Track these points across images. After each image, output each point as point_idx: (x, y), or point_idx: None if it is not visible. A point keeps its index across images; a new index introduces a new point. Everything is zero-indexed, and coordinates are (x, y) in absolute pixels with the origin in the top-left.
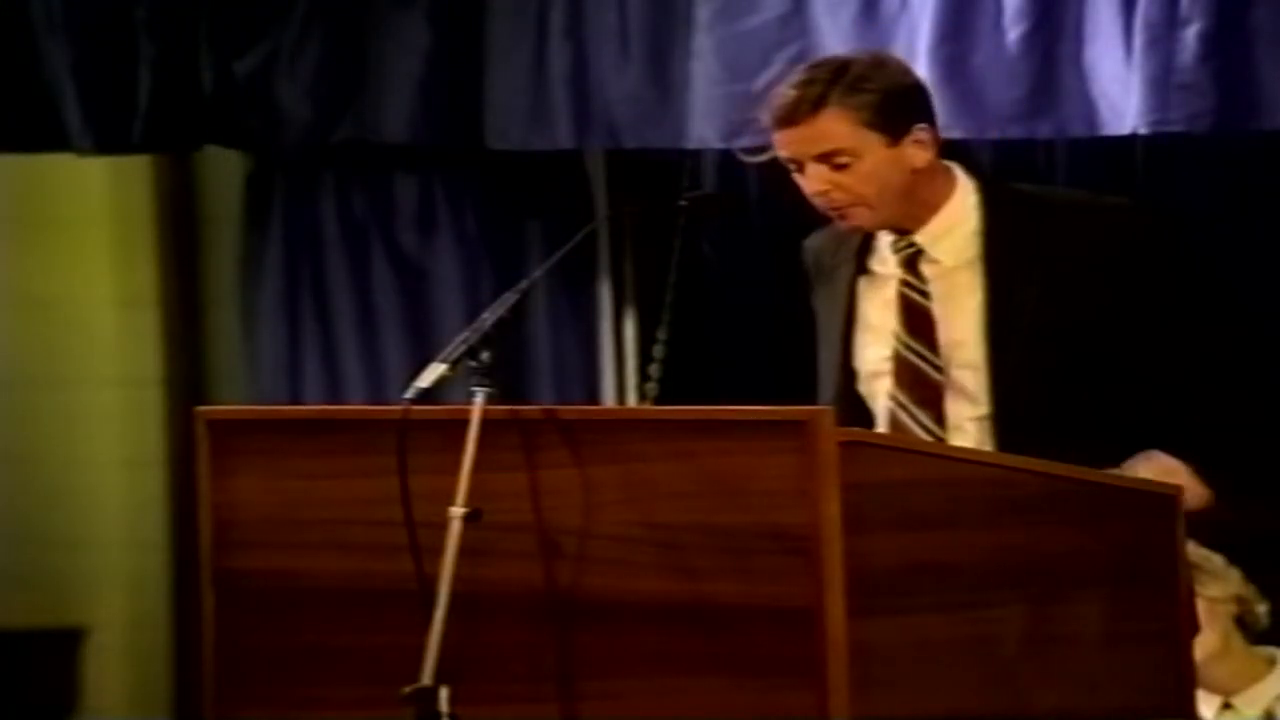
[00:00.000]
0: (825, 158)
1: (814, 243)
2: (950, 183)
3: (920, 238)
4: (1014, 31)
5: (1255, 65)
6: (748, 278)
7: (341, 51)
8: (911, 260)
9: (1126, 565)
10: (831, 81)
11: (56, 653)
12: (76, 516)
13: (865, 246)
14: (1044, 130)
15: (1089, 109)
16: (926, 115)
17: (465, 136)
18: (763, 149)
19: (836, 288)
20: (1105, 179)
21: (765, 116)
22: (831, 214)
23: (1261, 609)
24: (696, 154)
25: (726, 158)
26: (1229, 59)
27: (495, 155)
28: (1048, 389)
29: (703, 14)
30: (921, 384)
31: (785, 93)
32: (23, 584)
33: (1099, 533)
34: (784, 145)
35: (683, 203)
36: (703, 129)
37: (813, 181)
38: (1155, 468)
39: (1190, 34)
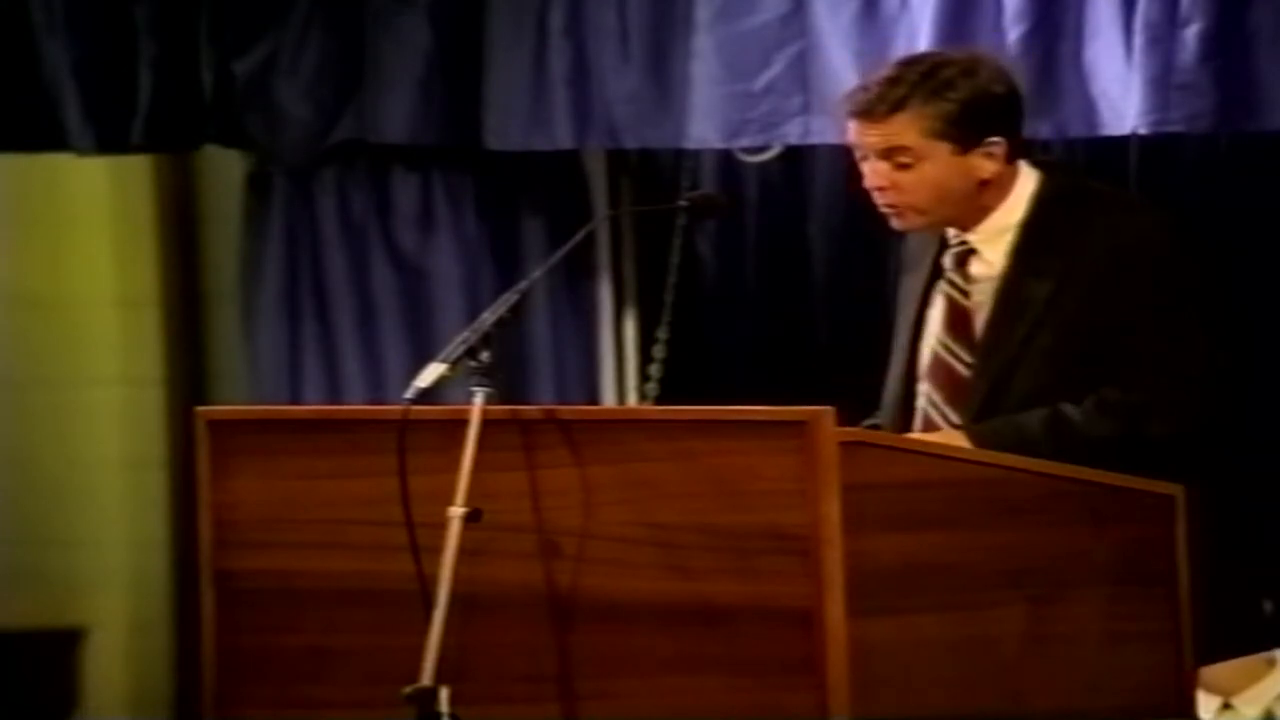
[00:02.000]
0: (889, 155)
1: (906, 245)
2: (1013, 184)
3: (973, 237)
4: (1014, 31)
5: (1255, 65)
6: (748, 278)
7: (341, 52)
8: (962, 259)
9: (1126, 565)
10: (917, 84)
11: (56, 653)
12: (76, 516)
13: (943, 249)
14: (1044, 130)
15: (1089, 109)
16: (1007, 125)
17: (465, 136)
18: (763, 149)
19: (913, 288)
20: (1100, 179)
21: (844, 104)
22: (885, 210)
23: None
24: (696, 154)
25: (727, 158)
26: (1229, 59)
27: (495, 155)
28: (1041, 377)
29: (703, 14)
30: (954, 383)
31: (870, 87)
32: (23, 584)
33: (1099, 533)
34: (854, 134)
35: (683, 203)
36: (703, 129)
37: (873, 176)
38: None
39: (1190, 34)
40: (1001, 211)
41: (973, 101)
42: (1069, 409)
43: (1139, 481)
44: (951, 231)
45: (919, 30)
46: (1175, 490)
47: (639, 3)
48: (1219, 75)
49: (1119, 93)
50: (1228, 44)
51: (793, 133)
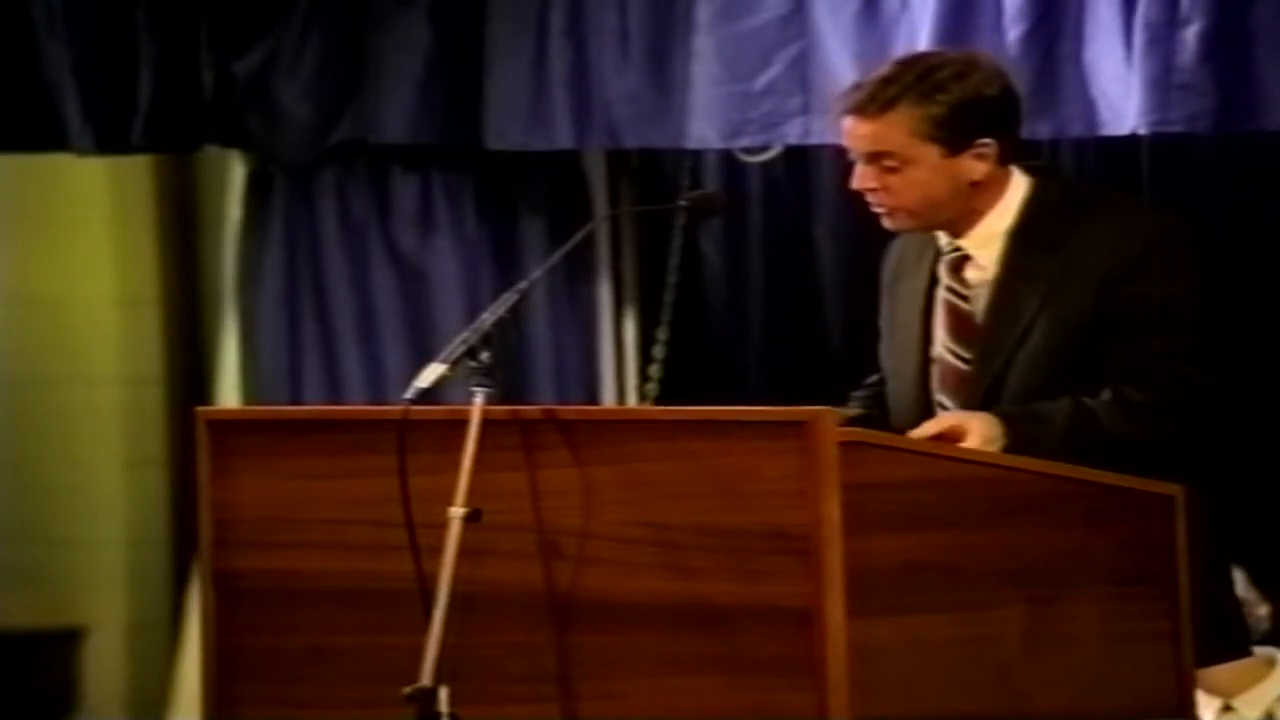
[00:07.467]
0: (876, 158)
1: (895, 248)
2: (1004, 188)
3: (966, 243)
4: (1014, 31)
5: (1255, 65)
6: (752, 278)
7: (341, 51)
8: (957, 265)
9: (1126, 565)
10: (910, 85)
11: (56, 653)
12: (76, 516)
13: (938, 257)
14: (1044, 130)
15: (1089, 109)
16: (999, 126)
17: (465, 136)
18: (763, 149)
19: (910, 296)
20: (1111, 180)
21: (838, 100)
22: (876, 210)
23: (1262, 611)
24: (697, 154)
25: (731, 157)
26: (1229, 59)
27: (494, 155)
28: (1034, 377)
29: (703, 14)
30: (964, 387)
31: (864, 85)
32: (23, 584)
33: (1099, 533)
34: (845, 134)
35: (682, 203)
36: (703, 129)
37: (862, 178)
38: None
39: (1190, 34)
40: (993, 216)
41: (962, 104)
42: (1091, 403)
43: (1139, 481)
44: (944, 239)
45: (919, 30)
46: (1175, 490)
47: (639, 3)
48: (1219, 75)
49: (1119, 93)
50: (1228, 44)
51: (793, 133)
